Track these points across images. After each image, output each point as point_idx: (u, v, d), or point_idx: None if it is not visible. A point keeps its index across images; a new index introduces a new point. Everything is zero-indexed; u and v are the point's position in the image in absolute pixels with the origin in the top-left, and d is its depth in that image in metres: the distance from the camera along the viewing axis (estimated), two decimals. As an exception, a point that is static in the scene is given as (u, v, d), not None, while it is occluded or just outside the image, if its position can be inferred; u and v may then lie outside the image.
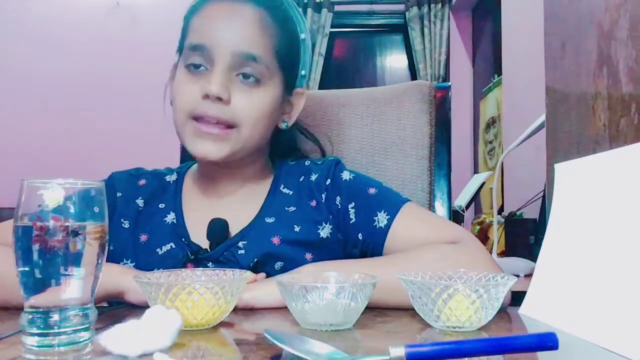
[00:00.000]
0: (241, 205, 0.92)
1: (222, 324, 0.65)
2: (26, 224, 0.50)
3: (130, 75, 3.94)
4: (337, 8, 4.28)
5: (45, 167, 3.59)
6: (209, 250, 0.86)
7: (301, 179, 0.94)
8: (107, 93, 3.95)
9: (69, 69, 3.93)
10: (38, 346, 0.50)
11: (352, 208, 0.88)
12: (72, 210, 0.51)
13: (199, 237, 0.87)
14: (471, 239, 0.82)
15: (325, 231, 0.88)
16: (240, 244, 0.86)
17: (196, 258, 0.85)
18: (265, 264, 0.85)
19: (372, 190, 0.88)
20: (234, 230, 0.88)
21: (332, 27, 4.24)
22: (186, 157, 1.22)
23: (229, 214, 0.88)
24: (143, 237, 0.89)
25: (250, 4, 0.86)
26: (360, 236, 0.87)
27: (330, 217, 0.89)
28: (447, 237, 0.81)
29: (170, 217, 0.91)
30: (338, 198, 0.89)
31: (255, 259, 0.84)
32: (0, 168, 3.56)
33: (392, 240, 0.84)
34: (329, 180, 0.91)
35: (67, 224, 0.51)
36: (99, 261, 0.53)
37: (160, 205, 0.93)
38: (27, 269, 0.51)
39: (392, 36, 4.52)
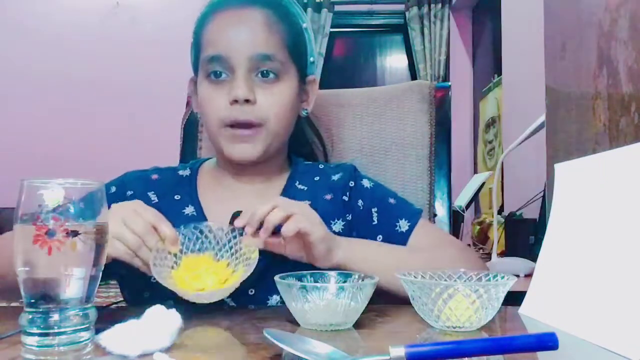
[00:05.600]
0: (258, 199, 0.94)
1: (222, 323, 0.65)
2: (26, 224, 0.50)
3: (130, 75, 3.94)
4: (337, 8, 4.29)
5: (45, 167, 3.60)
6: None
7: (316, 179, 0.98)
8: (106, 93, 3.95)
9: (68, 69, 3.94)
10: (38, 346, 0.50)
11: (375, 212, 0.94)
12: (72, 210, 0.51)
13: None
14: (471, 250, 0.93)
15: (337, 226, 0.92)
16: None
17: None
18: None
19: (392, 200, 0.97)
20: None
21: (332, 27, 4.24)
22: (186, 156, 1.22)
23: (247, 207, 0.89)
24: None
25: (255, 7, 0.91)
26: (379, 238, 0.93)
27: (348, 215, 0.94)
28: (455, 246, 0.93)
29: (190, 210, 0.92)
30: (360, 201, 0.95)
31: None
32: (0, 168, 3.56)
33: (412, 243, 0.91)
34: (352, 183, 0.97)
35: (67, 224, 0.51)
36: (99, 261, 0.53)
37: (176, 197, 0.95)
38: (27, 269, 0.51)
39: (392, 36, 4.52)
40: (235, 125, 0.89)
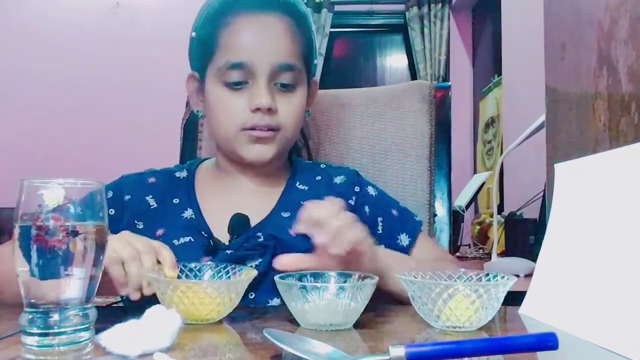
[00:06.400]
0: (258, 199, 0.95)
1: (223, 324, 0.65)
2: (26, 224, 0.50)
3: (130, 75, 3.94)
4: (337, 8, 4.28)
5: (45, 167, 3.59)
6: (227, 244, 0.87)
7: (317, 179, 0.98)
8: (107, 93, 3.95)
9: (68, 69, 3.93)
10: (38, 346, 0.50)
11: (380, 221, 0.96)
12: (72, 210, 0.51)
13: (218, 230, 0.89)
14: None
15: None
16: (259, 234, 0.87)
17: (216, 249, 0.86)
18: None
19: (394, 212, 0.98)
20: (252, 222, 0.90)
21: (332, 27, 4.23)
22: (186, 156, 1.22)
23: (247, 208, 0.90)
24: (159, 232, 0.90)
25: (278, 14, 0.90)
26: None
27: None
28: (451, 263, 0.95)
29: (189, 213, 0.92)
30: (367, 207, 0.96)
31: (272, 251, 0.85)
32: (0, 168, 3.56)
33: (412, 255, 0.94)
34: (357, 188, 0.98)
35: (67, 224, 0.51)
36: (99, 261, 0.53)
37: (174, 201, 0.94)
38: (27, 269, 0.51)
39: (392, 36, 4.52)
40: (254, 129, 0.89)
